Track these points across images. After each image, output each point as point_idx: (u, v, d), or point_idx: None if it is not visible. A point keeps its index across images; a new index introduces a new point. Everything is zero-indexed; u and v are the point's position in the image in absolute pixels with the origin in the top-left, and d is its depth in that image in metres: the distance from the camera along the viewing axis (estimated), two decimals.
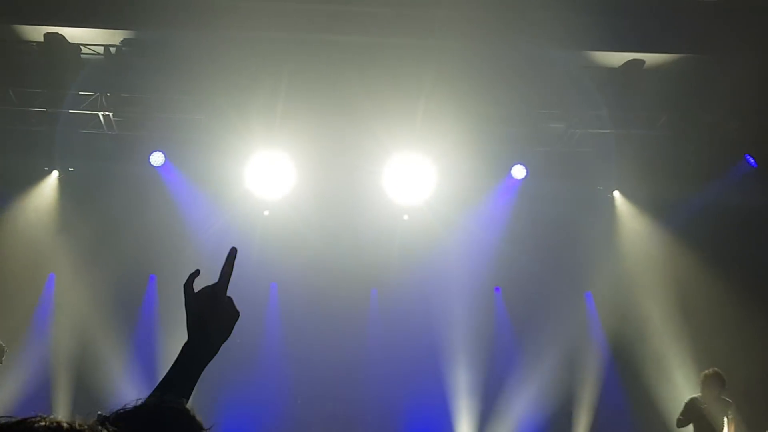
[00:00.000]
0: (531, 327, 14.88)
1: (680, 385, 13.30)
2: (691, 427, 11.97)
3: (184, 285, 2.60)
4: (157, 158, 14.22)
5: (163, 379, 2.52)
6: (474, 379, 14.75)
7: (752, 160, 14.20)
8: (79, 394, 13.89)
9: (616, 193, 15.14)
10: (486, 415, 14.56)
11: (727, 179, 14.35)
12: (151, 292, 14.75)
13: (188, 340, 2.57)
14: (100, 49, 13.18)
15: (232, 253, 2.62)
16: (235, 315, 2.59)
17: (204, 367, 2.57)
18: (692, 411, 11.79)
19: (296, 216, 14.70)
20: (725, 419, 11.75)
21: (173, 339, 13.44)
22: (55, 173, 14.64)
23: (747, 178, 14.23)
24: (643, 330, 14.71)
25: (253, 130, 14.01)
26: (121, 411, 2.20)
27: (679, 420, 11.89)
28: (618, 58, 13.27)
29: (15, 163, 13.90)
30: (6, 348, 12.01)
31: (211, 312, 2.56)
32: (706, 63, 12.67)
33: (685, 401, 12.01)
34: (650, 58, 13.13)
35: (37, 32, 12.79)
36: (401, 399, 14.44)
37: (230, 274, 2.59)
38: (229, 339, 2.66)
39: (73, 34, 12.95)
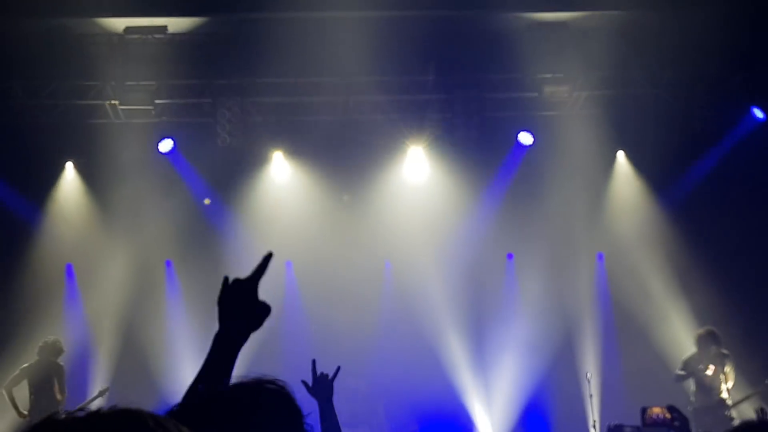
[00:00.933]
0: (544, 291, 14.84)
1: (684, 342, 13.37)
2: (691, 382, 12.18)
3: (224, 279, 2.69)
4: (165, 145, 14.21)
5: (202, 367, 2.58)
6: (486, 348, 14.76)
7: (759, 114, 14.10)
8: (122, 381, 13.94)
9: (620, 154, 15.02)
10: (497, 384, 14.54)
11: (734, 134, 14.29)
12: (171, 277, 14.78)
13: (220, 329, 2.64)
14: (103, 39, 13.13)
15: (269, 256, 2.71)
16: (267, 309, 2.65)
17: (237, 354, 2.62)
18: (689, 367, 12.08)
19: (307, 193, 14.70)
20: (722, 374, 11.94)
21: (202, 320, 13.44)
22: (69, 165, 14.58)
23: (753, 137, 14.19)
24: (648, 289, 14.70)
25: (260, 110, 14.00)
26: (221, 390, 2.22)
27: (677, 375, 12.20)
28: (614, 17, 13.12)
29: (26, 157, 13.84)
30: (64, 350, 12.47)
31: (243, 304, 2.64)
32: (706, 16, 12.52)
33: (683, 358, 12.29)
34: (649, 15, 12.98)
35: (39, 24, 12.72)
36: (414, 369, 14.45)
37: (263, 273, 2.67)
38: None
39: (75, 24, 12.89)
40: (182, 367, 13.48)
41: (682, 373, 12.26)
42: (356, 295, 14.63)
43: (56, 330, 13.38)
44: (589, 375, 12.62)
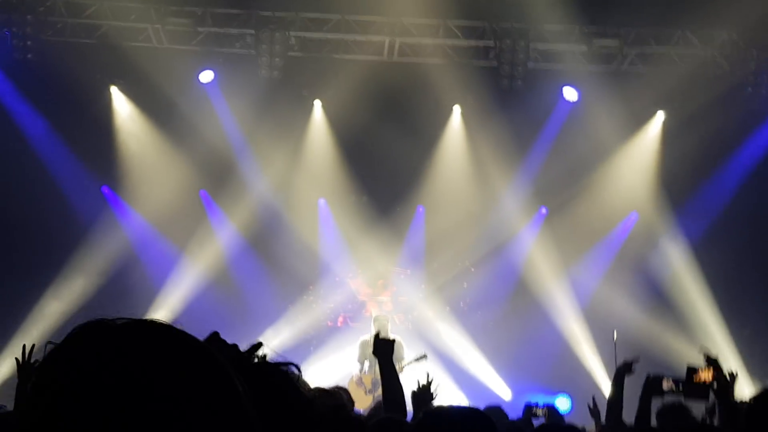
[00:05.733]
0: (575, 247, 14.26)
1: None
2: None
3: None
4: (206, 76, 13.59)
5: None
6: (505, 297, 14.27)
7: None
8: None
9: (660, 114, 14.18)
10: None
11: None
12: (210, 206, 14.30)
13: None
14: None
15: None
16: None
17: None
18: None
19: (341, 135, 14.11)
20: None
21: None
22: (114, 88, 13.94)
23: None
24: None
25: (302, 46, 13.37)
26: None
27: None
28: None
29: (69, 75, 13.17)
30: None
31: None
32: None
33: None
34: None
35: None
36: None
37: None
38: None
39: None
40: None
41: None
42: (388, 234, 14.12)
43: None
44: (616, 335, 11.98)
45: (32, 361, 4.90)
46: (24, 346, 4.98)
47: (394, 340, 4.88)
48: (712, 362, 5.26)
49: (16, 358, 4.95)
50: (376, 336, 4.89)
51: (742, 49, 12.87)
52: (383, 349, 4.77)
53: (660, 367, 9.70)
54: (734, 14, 12.09)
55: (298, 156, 14.21)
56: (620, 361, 11.19)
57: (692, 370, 5.03)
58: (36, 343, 5.08)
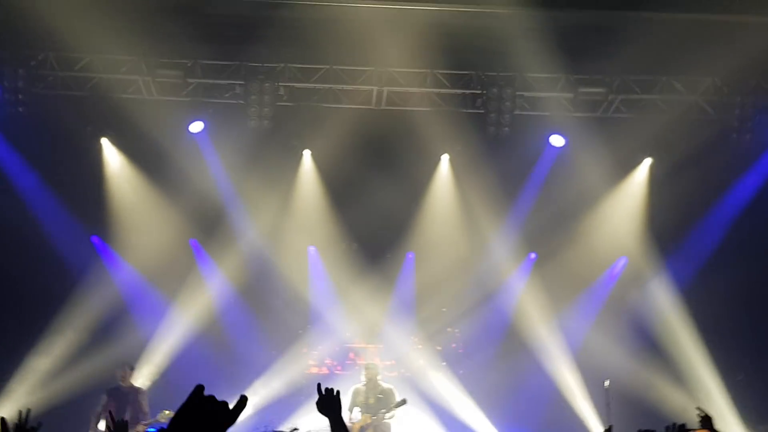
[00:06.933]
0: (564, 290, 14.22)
1: None
2: None
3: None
4: (196, 126, 13.60)
5: None
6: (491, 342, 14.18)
7: None
8: None
9: (647, 161, 14.20)
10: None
11: None
12: (200, 255, 14.21)
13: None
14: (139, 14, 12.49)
15: (243, 400, 2.03)
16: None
17: None
18: None
19: (332, 184, 14.11)
20: None
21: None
22: (105, 140, 13.93)
23: None
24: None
25: (291, 96, 13.39)
26: None
27: None
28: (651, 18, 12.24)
29: (61, 127, 13.16)
30: None
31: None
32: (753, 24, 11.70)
33: None
34: (690, 19, 12.06)
35: None
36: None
37: (237, 415, 2.01)
38: None
39: None
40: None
41: None
42: (378, 280, 14.05)
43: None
44: (607, 383, 11.91)
45: (28, 427, 4.86)
46: (20, 411, 4.96)
47: (338, 392, 4.33)
48: (707, 422, 5.14)
49: (15, 423, 4.91)
50: (318, 390, 4.32)
51: (727, 95, 12.96)
52: (329, 405, 4.24)
53: (651, 415, 9.67)
54: (717, 61, 12.15)
55: (288, 204, 14.19)
56: (613, 408, 11.25)
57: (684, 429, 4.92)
58: (24, 401, 5.07)
